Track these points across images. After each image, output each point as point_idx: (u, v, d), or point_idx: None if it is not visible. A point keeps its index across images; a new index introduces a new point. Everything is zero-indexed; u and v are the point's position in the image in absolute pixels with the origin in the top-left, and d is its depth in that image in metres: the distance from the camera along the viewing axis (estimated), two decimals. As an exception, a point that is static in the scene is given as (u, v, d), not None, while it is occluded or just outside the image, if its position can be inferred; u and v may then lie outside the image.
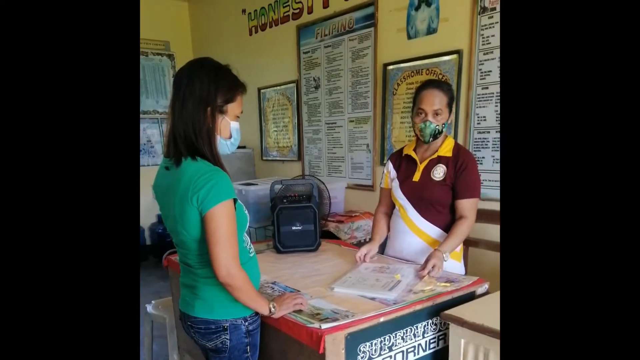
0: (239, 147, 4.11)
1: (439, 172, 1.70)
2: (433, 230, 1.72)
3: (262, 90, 4.03)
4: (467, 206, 1.67)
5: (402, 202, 1.77)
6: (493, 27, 2.17)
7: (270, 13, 3.76)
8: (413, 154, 1.78)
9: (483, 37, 2.23)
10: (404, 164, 1.82)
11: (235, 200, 1.21)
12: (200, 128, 1.19)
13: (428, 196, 1.71)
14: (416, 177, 1.75)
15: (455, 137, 2.43)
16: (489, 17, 2.19)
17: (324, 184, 2.69)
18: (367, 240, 2.73)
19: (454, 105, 1.72)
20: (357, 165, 3.14)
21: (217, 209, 1.14)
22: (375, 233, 1.86)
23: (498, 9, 2.14)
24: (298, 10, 3.46)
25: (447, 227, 1.70)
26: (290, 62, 3.62)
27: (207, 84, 1.19)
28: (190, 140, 1.19)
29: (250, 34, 4.06)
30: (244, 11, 4.09)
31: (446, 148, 1.72)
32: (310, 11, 3.35)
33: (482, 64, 2.25)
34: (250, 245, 1.36)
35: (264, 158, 4.16)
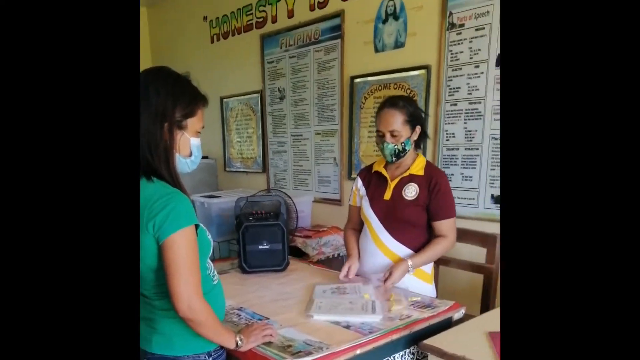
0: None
1: (410, 191, 1.66)
2: (404, 252, 1.66)
3: (224, 100, 3.91)
4: (445, 227, 1.65)
5: (371, 221, 1.71)
6: (462, 43, 2.18)
7: (233, 21, 3.66)
8: (384, 172, 1.72)
9: (452, 53, 2.22)
10: (374, 180, 1.76)
11: (197, 226, 1.11)
12: (157, 145, 1.08)
13: (400, 215, 1.66)
14: (387, 195, 1.69)
15: (424, 154, 2.41)
16: (457, 34, 2.19)
17: (290, 197, 2.61)
18: (337, 256, 2.67)
19: (419, 119, 1.66)
20: (324, 179, 3.07)
21: (176, 236, 1.03)
22: (352, 248, 1.80)
23: (467, 25, 2.15)
24: (262, 19, 3.38)
25: (420, 249, 1.65)
26: (254, 72, 3.52)
27: (164, 97, 1.07)
28: (146, 160, 1.08)
29: (212, 42, 3.94)
30: (205, 18, 3.96)
31: (418, 166, 1.68)
32: (274, 20, 3.28)
33: (451, 80, 2.25)
34: (214, 272, 1.25)
35: (227, 169, 4.02)
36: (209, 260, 1.24)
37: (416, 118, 1.64)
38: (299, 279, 1.82)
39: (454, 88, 2.24)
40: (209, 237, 1.22)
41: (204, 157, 3.94)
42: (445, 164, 2.31)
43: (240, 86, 3.71)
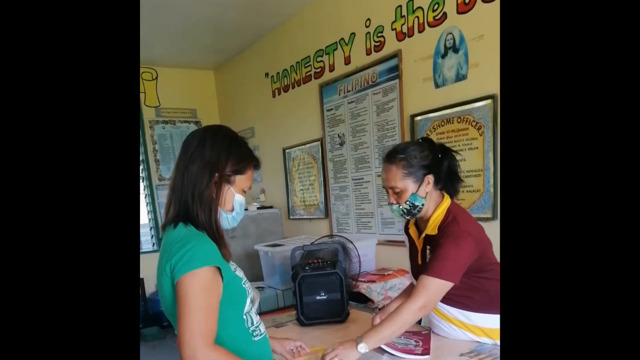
0: (265, 207, 3.99)
1: (429, 256, 1.41)
2: (462, 315, 1.42)
3: (286, 150, 3.94)
4: (422, 284, 1.31)
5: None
6: (529, 67, 2.00)
7: (293, 74, 3.74)
8: (412, 230, 1.51)
9: (519, 79, 2.04)
10: (409, 239, 1.56)
11: (219, 269, 1.01)
12: (201, 193, 1.05)
13: None
14: (419, 258, 1.47)
15: (494, 187, 2.19)
16: (523, 57, 2.02)
17: (351, 242, 2.46)
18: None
19: (431, 166, 1.37)
20: (388, 221, 2.90)
21: (188, 277, 0.95)
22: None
23: (533, 47, 1.98)
24: (320, 69, 3.41)
25: (485, 306, 1.39)
26: (314, 121, 3.53)
27: (219, 149, 1.08)
28: (186, 205, 1.05)
29: (274, 96, 4.05)
30: (267, 74, 4.10)
31: (434, 223, 1.39)
32: (332, 69, 3.29)
33: (521, 107, 2.05)
34: (257, 327, 1.13)
35: (291, 217, 3.99)
36: (253, 314, 1.13)
37: (425, 167, 1.37)
38: (360, 330, 1.63)
39: (525, 115, 2.04)
40: (246, 286, 1.12)
41: (268, 207, 3.99)
42: (523, 199, 2.06)
43: (301, 135, 3.73)
